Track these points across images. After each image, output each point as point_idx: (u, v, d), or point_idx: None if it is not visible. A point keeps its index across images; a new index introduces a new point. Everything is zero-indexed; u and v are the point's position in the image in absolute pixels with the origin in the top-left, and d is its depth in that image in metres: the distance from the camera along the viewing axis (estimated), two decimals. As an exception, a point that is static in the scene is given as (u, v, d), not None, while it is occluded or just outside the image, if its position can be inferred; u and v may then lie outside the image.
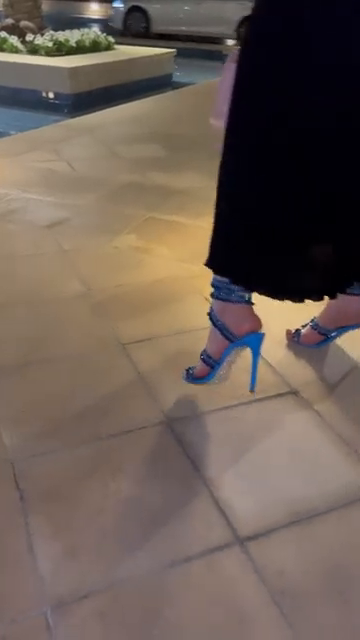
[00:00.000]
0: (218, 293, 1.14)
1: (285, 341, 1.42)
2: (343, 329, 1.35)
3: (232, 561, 0.87)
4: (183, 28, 10.94)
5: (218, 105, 1.06)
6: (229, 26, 10.38)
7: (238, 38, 10.98)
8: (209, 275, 1.72)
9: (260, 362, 1.34)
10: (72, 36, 6.43)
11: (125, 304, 1.57)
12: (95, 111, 4.17)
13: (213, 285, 1.15)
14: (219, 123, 1.05)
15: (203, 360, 1.19)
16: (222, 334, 1.15)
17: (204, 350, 1.20)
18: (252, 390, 1.22)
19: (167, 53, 6.83)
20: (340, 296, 1.26)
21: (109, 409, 1.18)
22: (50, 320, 1.48)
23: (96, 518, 0.93)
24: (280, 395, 1.24)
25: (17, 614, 0.79)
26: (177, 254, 1.88)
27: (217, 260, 1.11)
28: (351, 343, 1.39)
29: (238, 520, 0.93)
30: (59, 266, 1.76)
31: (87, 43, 6.52)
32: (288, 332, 1.43)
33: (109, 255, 1.86)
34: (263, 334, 1.16)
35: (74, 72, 5.38)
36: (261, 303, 1.63)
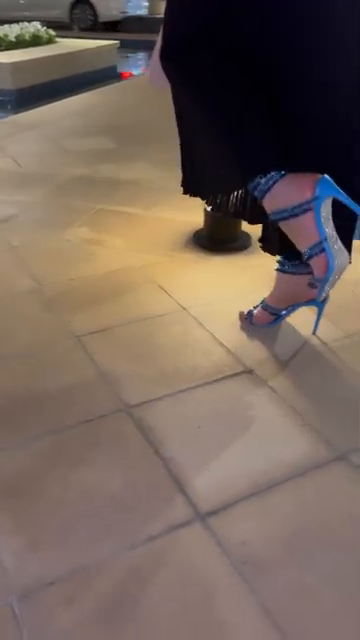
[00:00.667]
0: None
1: (238, 323, 1.45)
2: (293, 307, 1.39)
3: (194, 537, 0.89)
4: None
5: (154, 65, 1.11)
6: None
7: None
8: (162, 263, 1.74)
9: (215, 344, 1.37)
10: (11, 31, 6.30)
11: (78, 297, 1.56)
12: (40, 106, 4.10)
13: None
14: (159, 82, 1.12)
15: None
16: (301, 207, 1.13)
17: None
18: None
19: (110, 45, 6.77)
20: (287, 276, 1.30)
21: (66, 401, 1.18)
22: (0, 317, 1.47)
23: (58, 509, 0.94)
24: (235, 375, 1.27)
25: (-18, 608, 0.79)
26: (130, 245, 1.88)
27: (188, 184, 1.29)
28: (301, 320, 1.43)
29: (199, 497, 0.96)
30: (8, 263, 1.74)
31: (27, 37, 6.39)
32: (241, 314, 1.46)
33: (60, 249, 1.84)
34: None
35: (15, 67, 5.28)
36: (215, 287, 1.66)
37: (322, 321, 1.41)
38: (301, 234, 1.15)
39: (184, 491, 0.97)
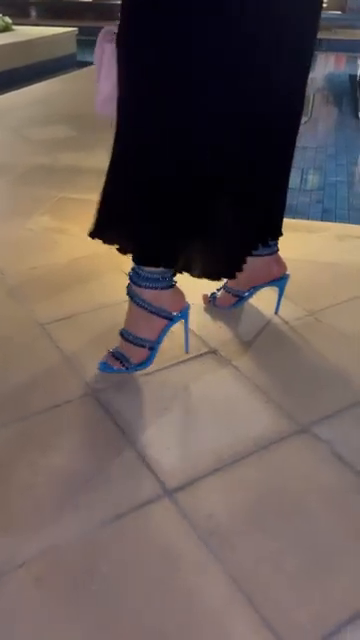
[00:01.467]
0: (148, 284, 1.15)
1: (202, 305, 1.47)
2: (254, 289, 1.41)
3: (162, 512, 0.91)
4: None
5: (103, 89, 1.05)
6: None
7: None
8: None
9: (179, 326, 1.38)
10: (-35, 18, 6.12)
11: (42, 285, 1.56)
12: (-2, 95, 4.02)
13: (136, 279, 1.16)
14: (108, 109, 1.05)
15: (138, 345, 1.19)
16: (160, 316, 1.18)
17: (134, 336, 1.19)
18: (187, 351, 1.28)
19: (67, 32, 6.65)
20: (249, 258, 1.32)
21: (32, 388, 1.18)
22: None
23: (28, 493, 0.95)
24: (200, 355, 1.29)
25: None
26: (92, 232, 1.87)
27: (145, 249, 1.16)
28: (263, 301, 1.46)
29: (165, 474, 0.98)
30: (-30, 254, 1.72)
31: (-17, 25, 6.22)
32: (204, 296, 1.48)
33: (22, 238, 1.83)
34: (190, 304, 1.23)
35: (-29, 56, 5.14)
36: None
37: (284, 301, 1.45)
38: (149, 324, 1.19)
39: (152, 469, 0.99)
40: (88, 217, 1.28)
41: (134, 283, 1.17)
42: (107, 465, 1.00)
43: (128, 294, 1.19)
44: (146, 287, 1.16)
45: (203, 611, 0.78)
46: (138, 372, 1.23)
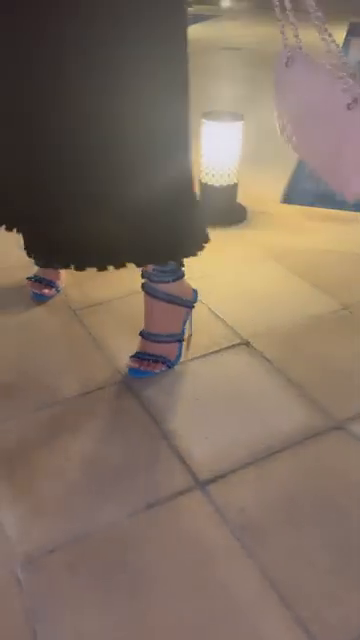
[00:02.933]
0: (163, 278, 1.14)
1: (232, 296, 1.45)
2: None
3: (193, 504, 0.90)
4: None
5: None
6: None
7: None
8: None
9: (211, 316, 1.37)
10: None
11: (74, 271, 1.55)
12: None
13: (161, 276, 1.15)
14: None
15: (170, 341, 1.19)
16: (185, 306, 1.19)
17: (165, 335, 1.18)
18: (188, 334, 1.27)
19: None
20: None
21: (65, 373, 1.19)
22: (-2, 291, 1.46)
23: (59, 478, 0.95)
24: (232, 347, 1.27)
25: (-14, 574, 0.80)
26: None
27: None
28: (297, 293, 1.44)
29: (198, 466, 0.97)
30: (5, 238, 1.72)
31: None
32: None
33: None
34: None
35: None
36: (209, 261, 1.65)
37: (319, 293, 1.42)
38: (175, 317, 1.19)
39: (183, 460, 0.98)
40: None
41: (157, 281, 1.15)
42: (138, 454, 1.00)
43: (149, 293, 1.16)
44: (173, 280, 1.15)
45: (234, 604, 0.77)
46: (169, 361, 1.22)
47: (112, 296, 1.44)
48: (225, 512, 0.89)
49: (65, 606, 0.77)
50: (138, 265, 1.14)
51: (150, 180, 1.00)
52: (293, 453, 1.00)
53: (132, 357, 1.18)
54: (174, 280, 1.16)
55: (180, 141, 1.02)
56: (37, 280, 1.43)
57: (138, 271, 1.56)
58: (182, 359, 1.22)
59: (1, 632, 0.74)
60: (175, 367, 1.20)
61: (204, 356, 1.24)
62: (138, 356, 1.18)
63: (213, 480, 0.95)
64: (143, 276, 1.17)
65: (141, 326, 1.26)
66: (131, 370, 1.18)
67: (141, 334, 1.20)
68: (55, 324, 1.34)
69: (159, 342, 1.19)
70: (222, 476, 0.95)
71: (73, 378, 1.17)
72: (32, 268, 1.46)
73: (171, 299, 1.16)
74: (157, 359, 1.18)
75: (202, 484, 0.94)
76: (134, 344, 1.24)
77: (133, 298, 1.44)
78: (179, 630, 0.74)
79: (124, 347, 1.25)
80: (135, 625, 0.75)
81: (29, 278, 1.44)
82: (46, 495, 0.92)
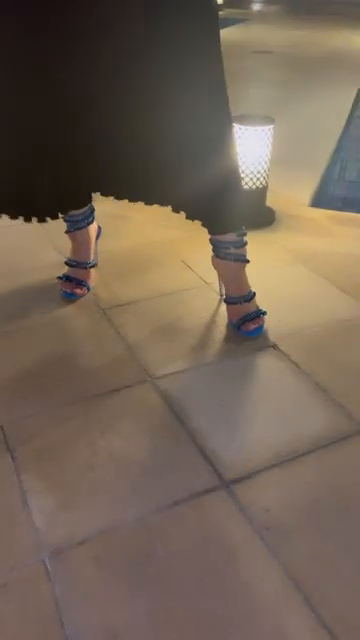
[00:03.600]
0: (242, 243, 1.32)
1: (259, 298, 1.45)
2: None
3: (218, 503, 0.92)
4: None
5: None
6: None
7: None
8: (186, 239, 1.75)
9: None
10: None
11: (103, 271, 1.58)
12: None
13: (241, 243, 1.32)
14: None
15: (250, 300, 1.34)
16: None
17: (249, 293, 1.33)
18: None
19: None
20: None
21: (94, 371, 1.21)
22: (28, 289, 1.49)
23: (87, 472, 0.97)
24: (259, 349, 1.28)
25: (16, 562, 0.83)
26: (154, 220, 1.88)
27: None
28: (325, 297, 1.44)
29: (223, 465, 0.98)
30: (34, 237, 1.76)
31: None
32: None
33: (85, 223, 1.85)
34: None
35: None
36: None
37: (347, 297, 1.42)
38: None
39: (209, 460, 0.99)
40: (155, 206, 1.29)
41: (241, 245, 1.31)
42: (164, 452, 1.01)
43: (238, 260, 1.31)
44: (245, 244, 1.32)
45: (258, 604, 0.78)
46: (196, 362, 1.23)
47: (140, 297, 1.46)
48: (250, 512, 0.90)
49: (92, 597, 0.79)
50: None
51: (204, 167, 1.19)
52: (318, 456, 1.00)
53: (247, 321, 1.30)
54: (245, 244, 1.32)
55: (225, 131, 1.20)
56: (68, 279, 1.46)
57: (167, 273, 1.58)
58: (209, 360, 1.24)
59: (30, 620, 0.76)
60: (202, 368, 1.22)
61: (231, 358, 1.25)
62: (246, 319, 1.31)
63: (238, 480, 0.96)
64: (226, 247, 1.30)
65: (169, 327, 1.28)
66: (254, 331, 1.30)
67: (239, 301, 1.33)
68: (85, 322, 1.37)
69: (251, 299, 1.33)
70: (247, 477, 0.96)
71: (101, 376, 1.19)
72: (63, 267, 1.49)
73: (247, 260, 1.33)
74: (259, 314, 1.32)
75: (227, 484, 0.95)
76: (161, 344, 1.26)
77: (162, 299, 1.46)
78: (203, 625, 0.76)
79: (152, 346, 1.27)
80: (159, 618, 0.76)
81: (60, 277, 1.47)
82: (74, 488, 0.94)
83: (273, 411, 1.11)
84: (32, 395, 1.14)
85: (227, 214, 1.27)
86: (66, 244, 1.53)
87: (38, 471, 0.97)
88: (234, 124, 1.79)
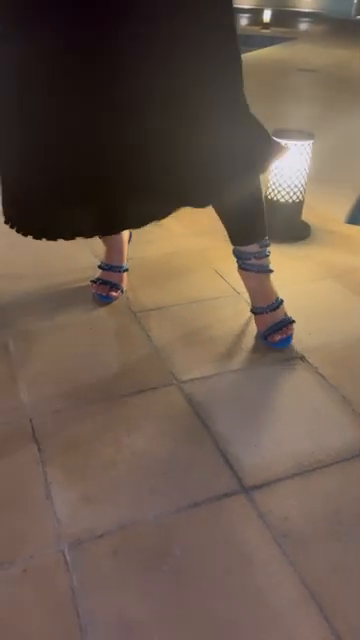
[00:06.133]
0: (265, 253, 1.32)
1: (289, 310, 1.45)
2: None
3: (237, 507, 0.92)
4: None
5: None
6: None
7: None
8: (219, 248, 1.77)
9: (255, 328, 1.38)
10: None
11: (136, 276, 1.61)
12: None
13: (265, 252, 1.32)
14: None
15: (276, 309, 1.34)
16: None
17: (276, 300, 1.34)
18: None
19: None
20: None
21: (121, 371, 1.23)
22: (63, 290, 1.53)
23: (109, 469, 0.99)
24: (287, 360, 1.28)
25: (36, 550, 0.85)
26: (188, 229, 1.91)
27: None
28: (352, 313, 1.43)
29: (244, 471, 0.98)
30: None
31: None
32: None
33: (121, 230, 1.89)
34: None
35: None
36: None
37: (378, 314, 1.41)
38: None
39: (230, 464, 1.00)
40: (184, 213, 1.31)
41: (265, 256, 1.31)
42: (186, 454, 1.02)
43: (264, 271, 1.31)
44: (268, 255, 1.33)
45: (271, 610, 0.78)
46: (223, 369, 1.24)
47: (171, 302, 1.49)
48: (268, 519, 0.90)
49: (108, 590, 0.80)
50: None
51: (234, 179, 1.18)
52: (341, 469, 0.99)
53: (274, 332, 1.30)
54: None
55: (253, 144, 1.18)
56: (103, 283, 1.49)
57: (198, 281, 1.60)
58: (235, 367, 1.25)
59: (47, 607, 0.78)
60: (228, 375, 1.23)
61: (258, 366, 1.26)
62: (274, 329, 1.30)
63: (258, 487, 0.96)
64: (248, 258, 1.31)
65: (198, 333, 1.30)
66: (280, 342, 1.30)
67: (265, 310, 1.32)
68: (115, 324, 1.39)
69: (280, 307, 1.33)
70: (267, 484, 0.96)
71: (129, 377, 1.21)
72: (97, 270, 1.53)
73: (270, 270, 1.34)
74: (286, 322, 1.32)
75: (247, 489, 0.95)
76: (188, 349, 1.27)
77: (192, 306, 1.48)
78: (215, 627, 0.76)
79: (179, 351, 1.29)
80: (172, 616, 0.77)
81: (93, 281, 1.51)
82: (96, 483, 0.96)
83: (297, 421, 1.11)
84: (61, 391, 1.17)
85: (250, 225, 1.29)
86: (102, 247, 1.56)
87: (63, 464, 0.99)
88: (274, 138, 1.81)
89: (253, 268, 1.31)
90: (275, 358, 1.29)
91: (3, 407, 1.12)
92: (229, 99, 1.13)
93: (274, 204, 1.87)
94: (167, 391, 1.18)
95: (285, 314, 1.34)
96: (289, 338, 1.32)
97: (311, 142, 1.80)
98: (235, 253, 1.33)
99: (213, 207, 1.28)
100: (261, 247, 1.30)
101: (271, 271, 1.33)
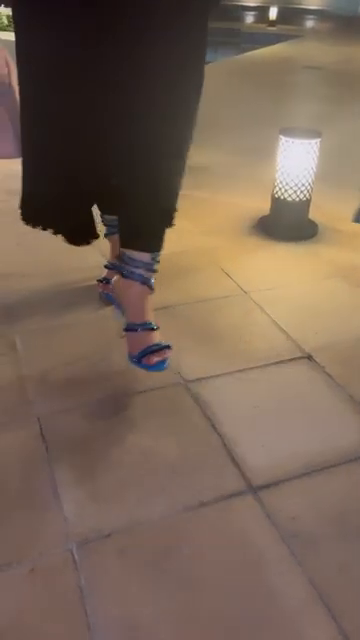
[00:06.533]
0: (155, 267, 1.21)
1: (296, 309, 1.45)
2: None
3: (245, 507, 0.92)
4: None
5: None
6: None
7: None
8: (227, 247, 1.77)
9: (274, 328, 1.38)
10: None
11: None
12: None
13: (154, 266, 1.20)
14: None
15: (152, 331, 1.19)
16: None
17: (152, 322, 1.19)
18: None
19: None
20: None
21: (128, 370, 1.23)
22: (70, 289, 1.54)
23: (116, 468, 0.99)
24: (294, 359, 1.28)
25: (44, 549, 0.85)
26: (196, 228, 1.91)
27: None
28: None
29: (251, 471, 0.98)
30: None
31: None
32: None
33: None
34: None
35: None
36: (277, 274, 1.67)
37: (386, 313, 1.40)
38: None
39: (237, 464, 1.00)
40: (192, 213, 1.31)
41: (153, 271, 1.19)
42: (193, 453, 1.02)
43: (148, 285, 1.17)
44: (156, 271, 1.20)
45: (279, 610, 0.78)
46: (230, 368, 1.24)
47: (178, 301, 1.48)
48: (276, 519, 0.90)
49: (116, 589, 0.80)
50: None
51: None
52: (348, 469, 0.99)
53: (150, 354, 1.14)
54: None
55: (193, 125, 1.15)
56: (109, 282, 1.49)
57: (205, 280, 1.60)
58: (242, 367, 1.24)
59: (55, 606, 0.78)
60: (235, 374, 1.22)
61: (265, 366, 1.26)
62: (148, 351, 1.14)
63: (266, 487, 0.96)
64: (137, 267, 1.17)
65: (204, 333, 1.29)
66: (157, 364, 1.13)
67: (139, 327, 1.16)
68: (122, 323, 1.39)
69: (154, 330, 1.17)
70: (275, 484, 0.96)
71: (136, 376, 1.21)
72: (104, 269, 1.53)
73: (152, 289, 1.19)
74: (162, 347, 1.15)
75: (255, 489, 0.95)
76: (195, 349, 1.27)
77: (199, 305, 1.48)
78: (222, 626, 0.76)
79: (186, 350, 1.28)
80: (180, 615, 0.77)
81: (100, 280, 1.51)
82: (104, 483, 0.96)
83: (305, 421, 1.10)
84: (69, 390, 1.17)
85: (156, 231, 1.19)
86: (109, 246, 1.56)
87: (70, 463, 1.00)
88: (281, 136, 1.80)
89: (138, 278, 1.16)
90: (282, 357, 1.28)
91: (11, 406, 1.12)
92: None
93: (281, 203, 1.86)
94: (173, 391, 1.18)
95: (160, 339, 1.17)
96: (165, 361, 1.14)
97: (318, 140, 1.79)
98: (123, 258, 1.18)
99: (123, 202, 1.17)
100: (152, 259, 1.18)
101: (152, 290, 1.19)
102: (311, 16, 10.26)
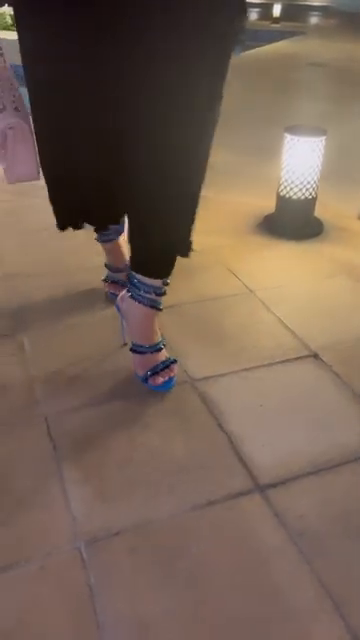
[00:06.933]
0: (163, 290, 1.19)
1: (302, 308, 1.45)
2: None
3: (253, 506, 0.92)
4: None
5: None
6: None
7: None
8: (232, 246, 1.77)
9: (280, 327, 1.38)
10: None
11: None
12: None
13: (157, 288, 1.17)
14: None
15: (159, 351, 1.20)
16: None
17: (159, 343, 1.20)
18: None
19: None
20: None
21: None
22: (77, 288, 1.54)
23: (125, 466, 0.99)
24: (300, 358, 1.28)
25: (53, 548, 0.85)
26: (201, 227, 1.90)
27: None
28: (371, 309, 1.42)
29: (259, 470, 0.98)
30: (83, 238, 1.81)
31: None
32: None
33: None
34: None
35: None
36: (283, 272, 1.66)
37: (392, 311, 1.40)
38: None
39: (244, 463, 1.00)
40: (200, 211, 1.31)
41: (162, 294, 1.17)
42: (200, 452, 1.03)
43: (156, 307, 1.16)
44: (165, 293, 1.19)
45: (287, 608, 0.78)
46: (236, 367, 1.24)
47: (184, 300, 1.49)
48: (284, 517, 0.90)
49: (125, 587, 0.81)
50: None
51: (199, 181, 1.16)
52: (355, 467, 0.99)
53: (155, 374, 1.16)
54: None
55: (204, 137, 1.13)
56: (114, 282, 1.50)
57: (211, 279, 1.60)
58: (249, 366, 1.24)
59: (64, 604, 0.79)
60: (241, 373, 1.23)
61: (271, 365, 1.26)
62: (155, 371, 1.16)
63: (273, 485, 0.96)
64: (142, 290, 1.16)
65: (211, 331, 1.29)
66: (163, 385, 1.16)
67: (147, 350, 1.17)
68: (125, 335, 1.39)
69: (160, 350, 1.19)
70: (282, 482, 0.96)
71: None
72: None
73: (161, 309, 1.19)
74: (167, 364, 1.18)
75: (262, 488, 0.95)
76: (202, 347, 1.27)
77: (205, 304, 1.48)
78: (230, 624, 0.76)
79: (192, 349, 1.29)
80: (188, 613, 0.77)
81: (105, 280, 1.51)
82: (112, 481, 0.97)
83: (311, 419, 1.11)
84: (76, 389, 1.17)
85: (171, 260, 1.17)
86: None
87: (78, 462, 1.00)
88: (286, 134, 1.80)
89: (147, 302, 1.15)
90: (289, 356, 1.28)
91: (19, 405, 1.13)
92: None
93: (286, 201, 1.86)
94: (181, 389, 1.18)
95: (167, 357, 1.19)
96: (172, 379, 1.17)
97: (323, 138, 1.78)
98: (132, 282, 1.16)
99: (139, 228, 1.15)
100: (163, 284, 1.17)
101: (161, 309, 1.18)
102: (315, 13, 10.22)
